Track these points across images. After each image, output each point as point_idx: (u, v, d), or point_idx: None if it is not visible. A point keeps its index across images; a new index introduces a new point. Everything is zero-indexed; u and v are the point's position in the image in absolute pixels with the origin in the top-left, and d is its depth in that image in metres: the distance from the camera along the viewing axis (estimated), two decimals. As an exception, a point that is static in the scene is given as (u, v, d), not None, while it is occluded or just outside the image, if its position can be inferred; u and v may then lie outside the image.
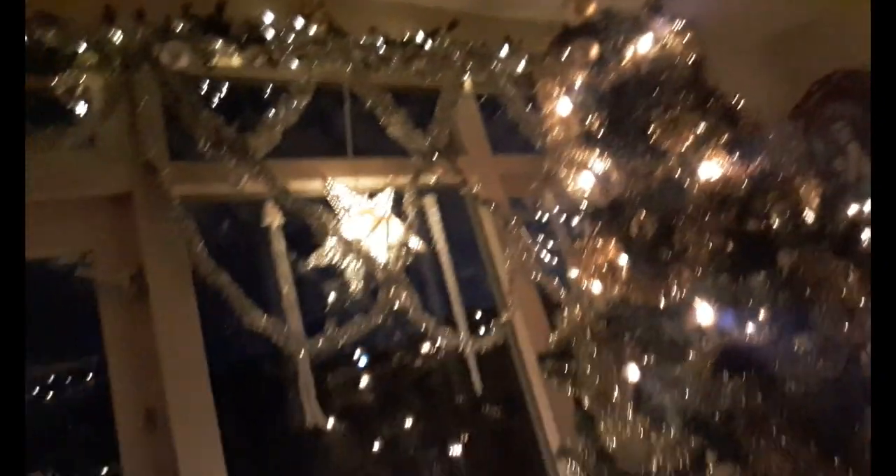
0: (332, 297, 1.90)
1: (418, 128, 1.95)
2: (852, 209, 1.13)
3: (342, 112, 1.96)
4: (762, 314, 0.96)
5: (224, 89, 1.77)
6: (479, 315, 2.11)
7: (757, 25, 3.13)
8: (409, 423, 2.15)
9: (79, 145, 1.46)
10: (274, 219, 1.72)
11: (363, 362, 2.14)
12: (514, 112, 2.16)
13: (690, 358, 0.97)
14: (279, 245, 1.72)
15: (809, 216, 1.08)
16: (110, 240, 1.51)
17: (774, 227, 1.05)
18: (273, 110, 1.72)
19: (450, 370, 2.20)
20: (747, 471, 0.89)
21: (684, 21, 1.26)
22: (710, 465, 0.92)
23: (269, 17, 1.70)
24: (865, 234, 1.20)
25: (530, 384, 2.02)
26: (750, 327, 0.96)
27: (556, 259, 2.08)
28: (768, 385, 0.92)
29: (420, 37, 1.94)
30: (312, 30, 1.75)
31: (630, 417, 1.08)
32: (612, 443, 1.11)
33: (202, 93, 1.67)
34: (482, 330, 1.96)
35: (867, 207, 2.56)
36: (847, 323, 0.93)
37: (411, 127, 1.92)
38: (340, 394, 2.06)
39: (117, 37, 1.48)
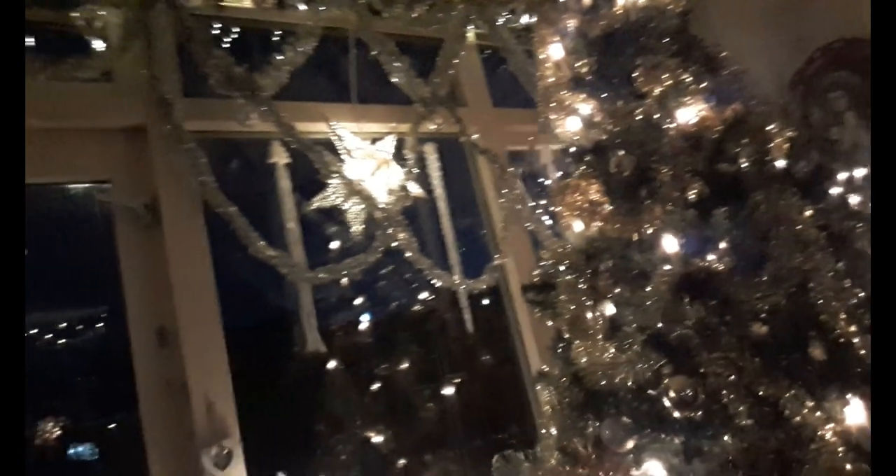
0: (334, 236, 2.01)
1: (421, 77, 2.02)
2: (815, 160, 1.20)
3: (348, 59, 2.02)
4: (723, 244, 1.05)
5: (235, 31, 1.85)
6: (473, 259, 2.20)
7: (766, -11, 3.14)
8: (404, 363, 2.28)
9: (96, 78, 1.54)
10: (280, 157, 1.82)
11: (363, 307, 2.25)
12: (516, 66, 2.22)
13: (654, 283, 1.06)
14: (284, 182, 1.81)
15: (778, 160, 1.15)
16: (126, 169, 1.60)
17: (743, 168, 1.12)
18: (281, 53, 1.79)
19: (444, 314, 2.31)
20: (698, 381, 0.99)
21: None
22: (666, 378, 1.02)
23: (278, -39, 1.76)
24: (835, 189, 1.28)
25: (519, 325, 2.13)
26: (711, 256, 1.05)
27: (548, 208, 2.17)
28: (723, 308, 1.02)
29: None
30: (319, -27, 1.81)
31: (600, 340, 1.19)
32: (583, 364, 1.22)
33: (214, 33, 1.73)
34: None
35: (858, 173, 2.62)
36: (800, 254, 1.02)
37: (414, 75, 1.99)
38: (341, 335, 2.18)
39: (135, -27, 1.55)
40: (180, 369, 1.48)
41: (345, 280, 1.86)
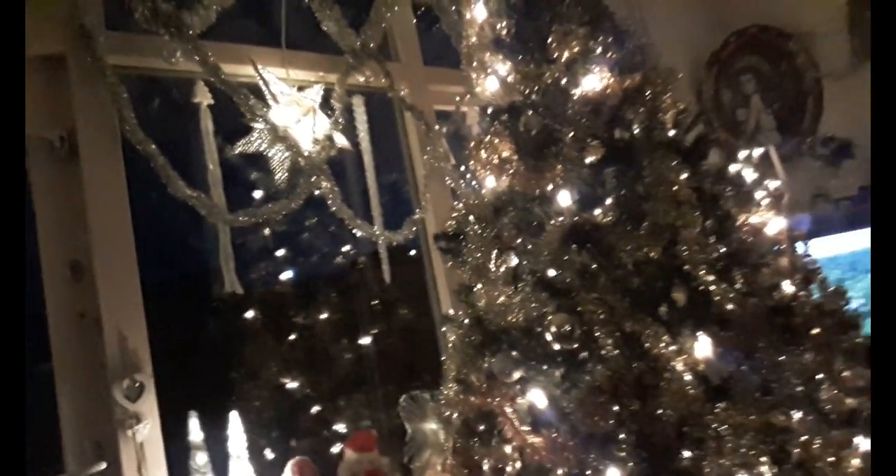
0: (257, 183, 2.03)
1: (353, 27, 2.03)
2: (698, 130, 1.33)
3: (279, 2, 2.01)
4: (609, 201, 1.17)
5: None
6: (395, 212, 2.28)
7: (690, -29, 3.29)
8: (323, 313, 2.35)
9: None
10: (204, 98, 1.81)
11: (284, 256, 2.29)
12: (448, 26, 2.26)
13: (548, 233, 1.18)
14: (207, 124, 1.81)
15: (666, 129, 1.28)
16: (42, 99, 1.56)
17: (635, 134, 1.24)
18: (210, -9, 1.76)
19: (364, 265, 2.39)
20: (576, 319, 1.11)
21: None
22: (550, 316, 1.14)
23: None
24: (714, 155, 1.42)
25: (434, 276, 2.24)
26: (598, 210, 1.17)
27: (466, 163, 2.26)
28: (604, 256, 1.14)
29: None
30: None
31: (500, 285, 1.30)
32: (483, 307, 1.33)
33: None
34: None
35: (756, 152, 2.83)
36: (674, 212, 1.15)
37: (346, 25, 2.00)
38: (261, 283, 2.22)
39: None
40: (93, 303, 1.50)
41: (267, 230, 1.90)
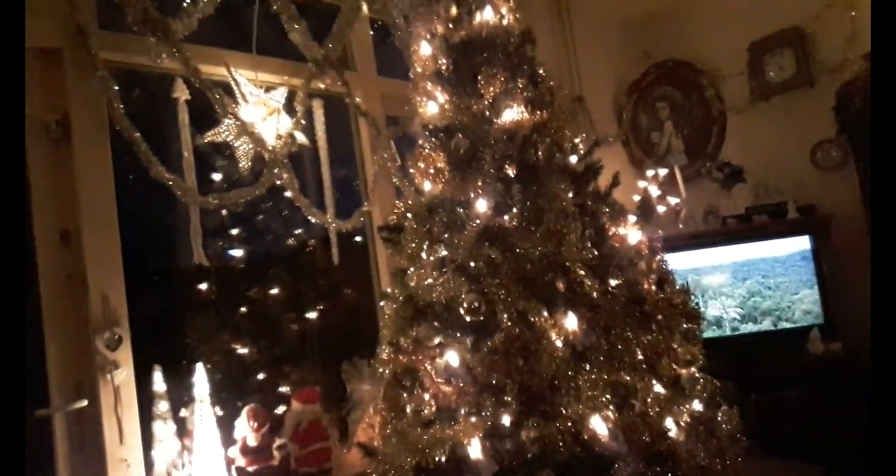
0: (223, 169, 2.29)
1: (316, 39, 2.31)
2: (589, 159, 1.69)
3: (252, 12, 2.27)
4: (515, 210, 1.52)
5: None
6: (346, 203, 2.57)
7: (621, 7, 3.71)
8: (276, 288, 2.62)
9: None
10: (182, 93, 2.05)
11: (246, 235, 2.54)
12: (401, 41, 2.57)
13: (467, 231, 1.51)
14: (184, 116, 2.06)
15: (563, 156, 1.64)
16: (40, 86, 1.78)
17: (539, 158, 1.59)
18: (195, 1, 2.01)
19: (315, 247, 2.68)
20: (482, 298, 1.46)
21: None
22: (464, 295, 1.48)
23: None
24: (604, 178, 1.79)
25: (377, 260, 2.55)
26: (506, 216, 1.52)
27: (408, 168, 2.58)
28: (508, 251, 1.49)
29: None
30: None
31: (428, 270, 1.63)
32: (414, 287, 1.66)
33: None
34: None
35: (662, 171, 3.25)
36: (562, 221, 1.50)
37: (310, 37, 2.28)
38: (224, 258, 2.46)
39: None
40: (80, 265, 1.74)
41: (232, 212, 2.15)
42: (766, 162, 3.40)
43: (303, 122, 2.29)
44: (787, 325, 3.09)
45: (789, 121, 3.44)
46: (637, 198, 3.36)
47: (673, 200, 3.30)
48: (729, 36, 3.57)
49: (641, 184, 3.35)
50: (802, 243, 3.09)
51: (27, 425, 1.44)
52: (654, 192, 3.28)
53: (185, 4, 2.01)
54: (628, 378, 1.43)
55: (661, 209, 3.26)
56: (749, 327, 3.15)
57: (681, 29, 3.73)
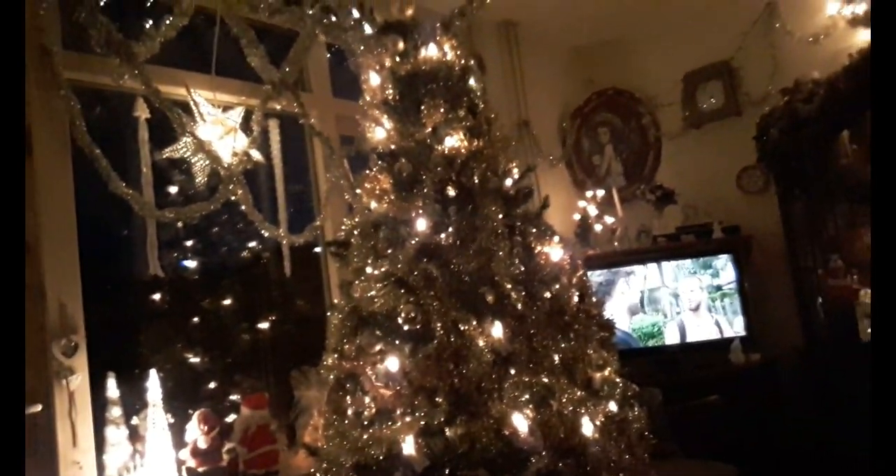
0: (180, 184, 2.39)
1: (274, 63, 2.44)
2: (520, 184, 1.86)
3: (212, 35, 2.39)
4: (451, 228, 1.68)
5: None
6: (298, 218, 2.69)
7: (569, 36, 3.95)
8: (228, 299, 2.71)
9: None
10: (142, 112, 2.16)
11: (201, 247, 2.63)
12: (356, 66, 2.71)
13: (407, 248, 1.66)
14: (143, 133, 2.16)
15: (497, 180, 1.81)
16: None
17: (475, 182, 1.76)
18: (157, 25, 2.12)
19: (268, 260, 2.78)
20: (419, 309, 1.60)
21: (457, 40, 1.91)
22: (401, 304, 1.62)
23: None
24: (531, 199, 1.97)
25: (328, 273, 2.68)
26: (443, 234, 1.67)
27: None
28: (444, 267, 1.64)
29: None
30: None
31: (372, 282, 1.77)
32: (358, 298, 1.80)
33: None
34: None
35: (599, 193, 3.49)
36: (493, 240, 1.67)
37: (268, 61, 2.41)
38: (178, 269, 2.55)
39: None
40: (38, 275, 1.82)
41: (187, 225, 2.25)
42: (696, 185, 3.67)
43: (258, 140, 2.41)
44: (711, 337, 3.34)
45: (718, 147, 3.73)
46: (577, 216, 3.58)
47: (609, 220, 3.53)
48: (666, 67, 3.86)
49: (581, 204, 3.57)
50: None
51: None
52: (593, 211, 3.51)
53: (147, 27, 2.12)
54: (546, 380, 1.59)
55: (598, 228, 3.48)
56: (674, 339, 3.39)
57: (623, 59, 4.01)
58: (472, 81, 1.95)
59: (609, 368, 1.76)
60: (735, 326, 3.30)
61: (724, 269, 3.30)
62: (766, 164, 3.33)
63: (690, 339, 3.34)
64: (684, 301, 3.35)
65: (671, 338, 3.37)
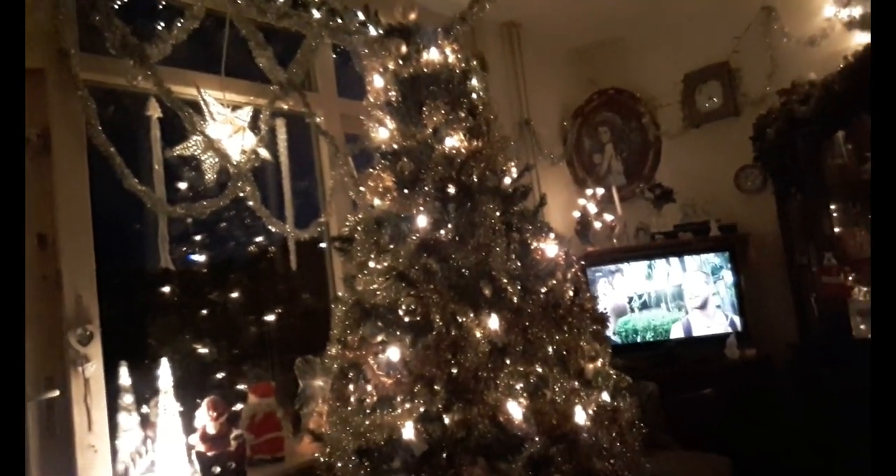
0: (190, 181, 2.47)
1: (281, 64, 2.52)
2: (518, 182, 1.93)
3: (222, 37, 2.46)
4: (450, 225, 1.75)
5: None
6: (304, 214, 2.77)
7: (570, 37, 4.01)
8: (236, 292, 2.79)
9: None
10: (155, 111, 2.23)
11: (210, 242, 2.71)
12: (360, 67, 2.79)
13: (408, 243, 1.74)
14: (156, 132, 2.24)
15: (496, 179, 1.88)
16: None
17: (474, 181, 1.83)
18: (169, 27, 2.20)
19: (274, 255, 2.87)
20: (419, 301, 1.68)
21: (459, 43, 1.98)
22: (402, 297, 1.70)
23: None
24: (531, 199, 2.04)
25: (332, 267, 2.76)
26: (442, 231, 1.75)
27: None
28: (443, 261, 1.72)
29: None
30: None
31: (375, 276, 1.84)
32: (361, 291, 1.87)
33: (115, 2, 2.10)
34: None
35: (599, 191, 3.54)
36: (491, 236, 1.74)
37: (275, 62, 2.49)
38: (188, 263, 2.63)
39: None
40: (55, 267, 1.90)
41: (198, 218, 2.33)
42: (694, 184, 3.73)
43: (266, 138, 2.48)
44: (707, 332, 3.40)
45: (716, 147, 3.79)
46: (577, 214, 3.65)
47: (609, 217, 3.60)
48: (666, 67, 3.92)
49: (581, 201, 3.64)
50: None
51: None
52: (593, 209, 3.57)
53: (159, 30, 2.20)
54: (540, 370, 1.67)
55: (597, 225, 3.55)
56: (674, 334, 3.45)
57: (623, 60, 4.07)
58: (473, 81, 2.02)
59: (601, 360, 1.83)
60: (730, 322, 3.36)
61: (722, 266, 3.36)
62: (763, 163, 3.39)
63: (697, 334, 3.38)
64: (689, 298, 3.40)
65: (676, 333, 3.41)
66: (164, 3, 2.37)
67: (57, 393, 1.83)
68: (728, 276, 3.35)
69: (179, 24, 2.23)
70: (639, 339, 3.46)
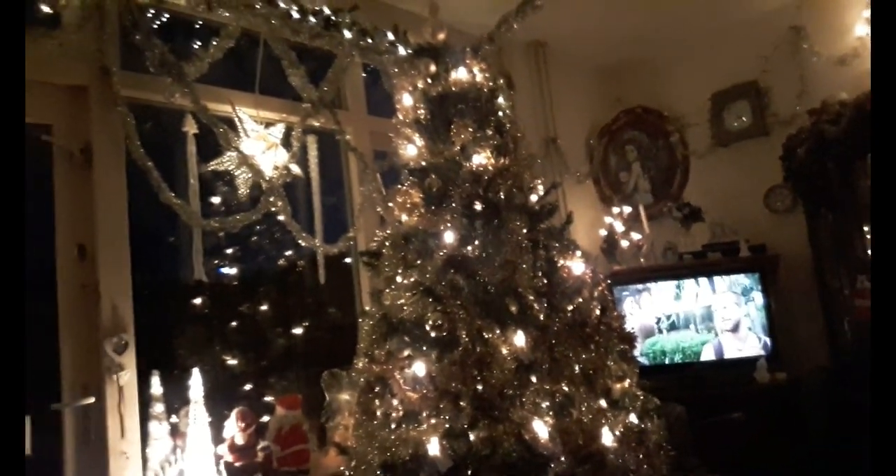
0: (224, 195, 2.53)
1: (313, 82, 2.58)
2: (544, 200, 1.94)
3: (256, 57, 2.54)
4: (476, 241, 1.77)
5: (168, 19, 2.29)
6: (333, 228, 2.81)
7: (596, 56, 4.03)
8: (265, 304, 2.84)
9: (57, 45, 1.95)
10: (191, 128, 2.31)
11: (241, 255, 2.76)
12: (389, 86, 2.85)
13: (435, 259, 1.76)
14: (192, 148, 2.31)
15: (522, 196, 1.89)
16: (67, 119, 2.02)
17: (501, 198, 1.85)
18: (206, 47, 2.28)
19: (303, 268, 2.91)
20: (446, 317, 1.69)
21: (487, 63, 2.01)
22: (429, 312, 1.71)
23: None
24: (554, 215, 2.04)
25: (359, 281, 2.79)
26: (469, 247, 1.77)
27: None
28: (469, 278, 1.73)
29: (326, 12, 2.55)
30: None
31: (402, 291, 1.86)
32: (388, 306, 1.89)
33: (155, 22, 2.19)
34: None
35: (626, 209, 3.54)
36: (518, 253, 1.75)
37: (307, 81, 2.55)
38: (220, 275, 2.68)
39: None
40: (94, 277, 1.96)
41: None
42: (723, 203, 3.70)
43: (297, 155, 2.54)
44: (738, 355, 3.34)
45: (745, 166, 3.76)
46: (603, 232, 3.64)
47: (636, 236, 3.58)
48: (693, 86, 3.91)
49: (608, 220, 3.63)
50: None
51: (41, 418, 1.63)
52: (619, 227, 3.56)
53: (196, 49, 2.28)
54: (567, 389, 1.66)
55: (624, 244, 3.53)
56: (705, 356, 3.40)
57: (650, 78, 4.07)
58: (500, 100, 2.05)
59: (628, 380, 1.82)
60: (763, 345, 3.30)
61: (752, 287, 3.31)
62: (793, 183, 3.35)
63: (728, 356, 3.32)
64: (719, 320, 3.35)
65: (707, 355, 3.36)
66: (200, 22, 2.44)
67: (92, 399, 1.88)
68: (758, 297, 3.30)
69: (215, 43, 2.31)
70: (667, 361, 3.41)
